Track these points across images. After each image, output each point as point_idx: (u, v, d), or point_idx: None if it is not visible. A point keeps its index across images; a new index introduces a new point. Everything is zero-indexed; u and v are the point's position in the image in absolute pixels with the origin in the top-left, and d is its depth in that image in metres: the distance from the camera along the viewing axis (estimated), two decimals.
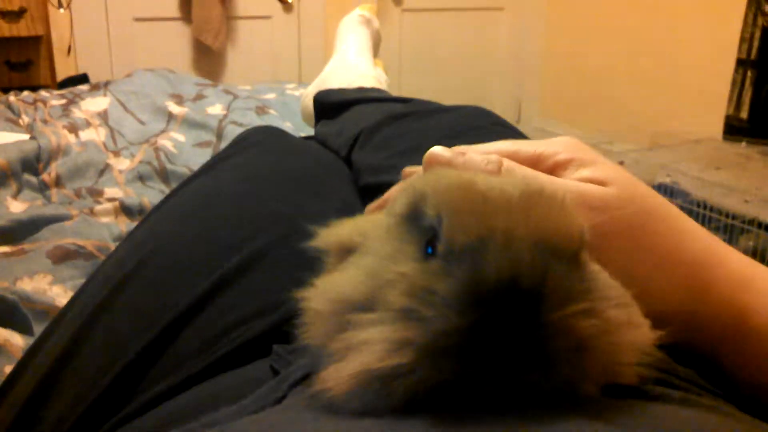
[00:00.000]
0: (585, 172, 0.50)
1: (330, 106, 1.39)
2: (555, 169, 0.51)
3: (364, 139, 1.11)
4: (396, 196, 0.46)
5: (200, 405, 0.53)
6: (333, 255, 0.47)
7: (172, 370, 0.62)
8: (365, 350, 0.35)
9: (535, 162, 0.51)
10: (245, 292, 0.68)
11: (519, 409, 0.34)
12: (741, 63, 2.88)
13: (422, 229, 0.38)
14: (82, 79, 3.20)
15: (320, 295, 0.42)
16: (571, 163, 0.51)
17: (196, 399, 0.57)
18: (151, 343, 0.63)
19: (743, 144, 2.85)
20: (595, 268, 0.40)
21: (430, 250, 0.37)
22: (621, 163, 2.85)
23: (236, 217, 0.79)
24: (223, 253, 0.72)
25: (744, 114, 2.95)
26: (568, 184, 0.49)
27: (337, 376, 0.36)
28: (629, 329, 0.38)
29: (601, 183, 0.49)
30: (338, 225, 0.48)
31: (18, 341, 1.03)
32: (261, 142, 1.05)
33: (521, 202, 0.36)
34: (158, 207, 0.92)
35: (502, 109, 4.16)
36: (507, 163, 0.49)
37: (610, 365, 0.36)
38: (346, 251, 0.45)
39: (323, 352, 0.40)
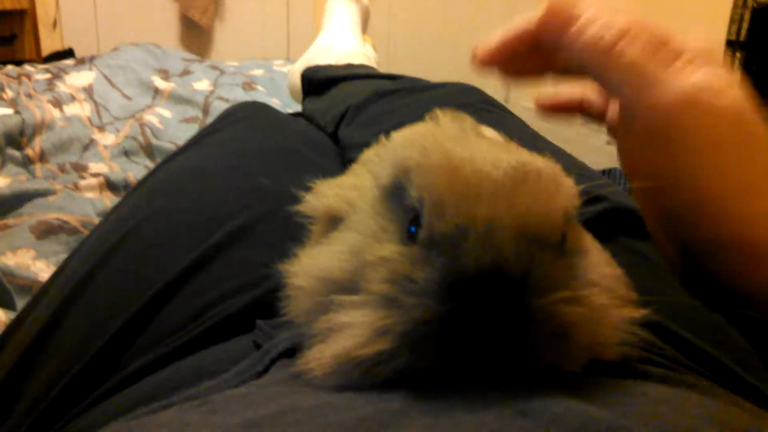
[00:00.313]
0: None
1: (317, 82, 1.38)
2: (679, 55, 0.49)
3: (351, 116, 1.11)
4: (382, 159, 0.45)
5: (182, 379, 0.53)
6: (319, 222, 0.47)
7: (154, 345, 0.62)
8: (347, 334, 0.36)
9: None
10: (228, 268, 0.67)
11: (499, 386, 0.34)
12: (730, 44, 2.88)
13: (405, 208, 0.38)
14: (68, 54, 3.15)
15: (303, 270, 0.42)
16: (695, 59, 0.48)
17: (178, 373, 0.56)
18: (133, 318, 0.63)
19: None
20: (584, 245, 0.40)
21: (413, 229, 0.37)
22: (608, 143, 2.85)
23: (221, 192, 0.79)
24: (207, 228, 0.71)
25: None
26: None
27: (319, 357, 0.37)
28: (612, 311, 0.38)
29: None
30: (324, 187, 0.48)
31: (1, 316, 1.03)
32: (247, 118, 1.04)
33: (506, 187, 0.35)
34: (143, 182, 0.91)
35: (491, 90, 4.14)
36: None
37: (592, 347, 0.36)
38: (333, 220, 0.45)
39: (306, 331, 0.40)
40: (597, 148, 2.98)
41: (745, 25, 2.87)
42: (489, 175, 0.36)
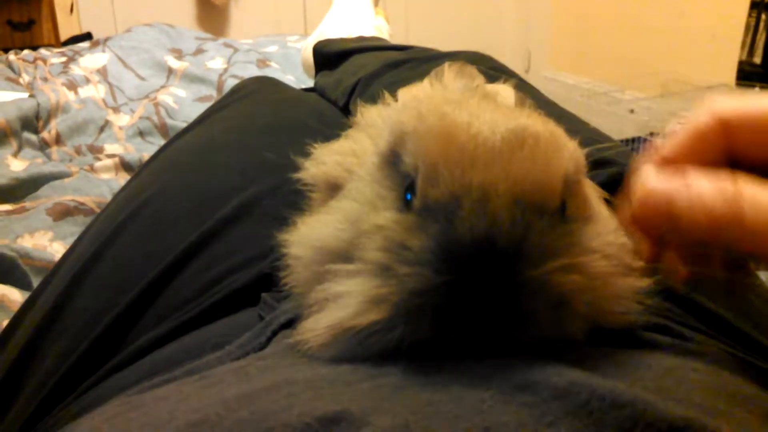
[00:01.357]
0: None
1: (329, 56, 1.37)
2: None
3: (362, 88, 1.09)
4: (383, 122, 0.43)
5: (186, 353, 0.54)
6: (319, 190, 0.46)
7: (161, 321, 0.62)
8: (341, 304, 0.35)
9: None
10: (236, 242, 0.67)
11: (499, 359, 0.33)
12: (755, 6, 2.81)
13: (401, 175, 0.38)
14: (86, 37, 3.16)
15: (301, 240, 0.42)
16: None
17: (183, 348, 0.57)
18: (141, 294, 0.63)
19: (756, 89, 2.80)
20: (589, 211, 0.39)
21: (409, 196, 0.37)
22: (632, 111, 2.81)
23: (228, 167, 0.79)
24: (214, 203, 0.71)
25: (757, 59, 2.88)
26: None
27: (314, 328, 0.36)
28: (615, 279, 0.37)
29: None
30: (323, 153, 0.47)
31: (16, 297, 1.04)
32: (255, 92, 1.04)
33: (502, 153, 0.35)
34: (151, 160, 0.92)
35: (512, 59, 4.09)
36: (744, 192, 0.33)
37: (592, 315, 0.36)
38: (332, 188, 0.45)
39: (303, 301, 0.40)
40: (620, 117, 2.94)
41: None
42: (485, 140, 0.35)
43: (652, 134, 2.49)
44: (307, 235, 0.42)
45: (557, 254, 0.34)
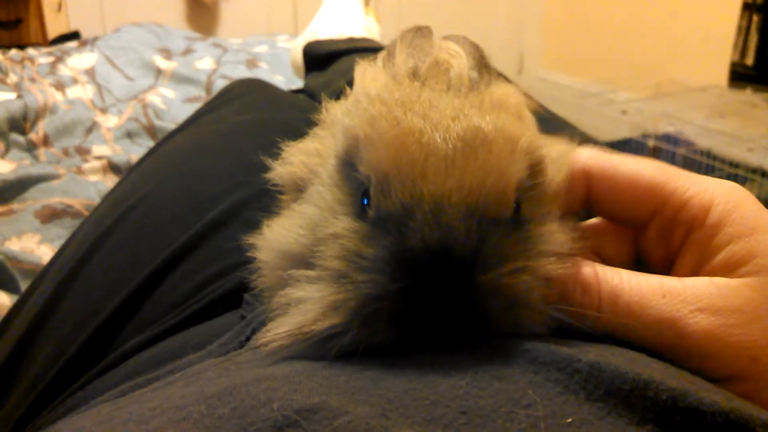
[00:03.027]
0: (735, 249, 0.37)
1: (319, 57, 1.36)
2: (696, 229, 0.39)
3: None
4: (340, 121, 0.42)
5: (169, 354, 0.55)
6: (287, 191, 0.46)
7: (147, 325, 0.62)
8: (301, 309, 0.36)
9: (678, 208, 0.39)
10: (222, 247, 0.67)
11: (475, 351, 0.34)
12: (747, 7, 2.81)
13: (357, 181, 0.38)
14: (74, 36, 3.14)
15: (267, 244, 0.43)
16: (721, 231, 0.37)
17: (166, 349, 0.57)
18: (128, 299, 0.63)
19: (748, 91, 2.80)
20: (544, 209, 0.39)
21: (366, 201, 0.37)
22: (624, 112, 2.81)
23: (215, 171, 0.78)
24: (202, 207, 0.71)
25: (749, 60, 2.89)
26: (687, 288, 0.36)
27: (276, 332, 0.37)
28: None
29: (750, 271, 0.36)
30: (291, 153, 0.46)
31: (4, 300, 1.04)
32: (244, 95, 1.03)
33: (455, 163, 0.35)
34: (139, 163, 0.91)
35: (505, 60, 4.09)
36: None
37: (549, 314, 0.36)
38: (300, 188, 0.44)
39: (269, 305, 0.41)
40: (612, 118, 2.94)
41: None
42: (436, 149, 0.35)
43: (644, 135, 2.49)
44: (272, 240, 0.42)
45: (510, 259, 0.35)
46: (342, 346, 0.35)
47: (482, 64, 0.44)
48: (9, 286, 1.10)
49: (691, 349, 0.35)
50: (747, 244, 0.37)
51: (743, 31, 2.86)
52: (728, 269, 0.37)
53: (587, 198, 0.42)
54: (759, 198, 0.40)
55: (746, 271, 0.36)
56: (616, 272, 0.38)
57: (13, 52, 2.22)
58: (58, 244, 1.22)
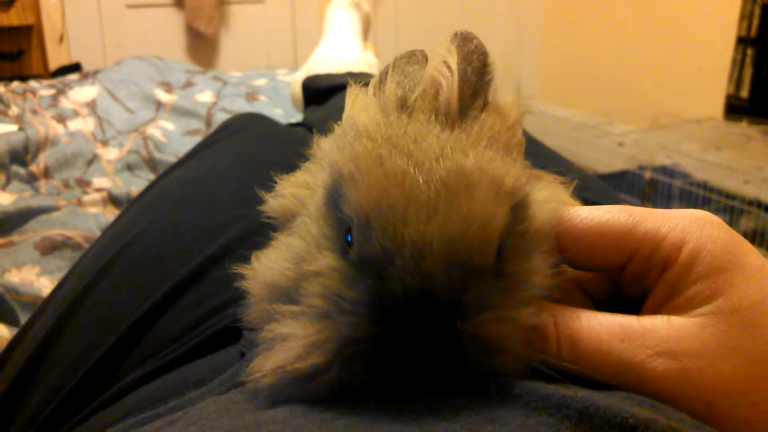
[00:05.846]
0: (699, 288, 0.37)
1: (318, 92, 1.37)
2: (669, 267, 0.39)
3: None
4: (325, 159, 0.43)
5: (170, 390, 0.54)
6: (279, 223, 0.46)
7: (148, 359, 0.62)
8: (286, 346, 0.36)
9: (651, 251, 0.39)
10: (222, 281, 0.67)
11: (466, 394, 0.35)
12: (741, 41, 2.84)
13: (341, 221, 0.38)
14: (75, 68, 3.17)
15: (255, 276, 0.43)
16: (692, 270, 0.37)
17: (167, 385, 0.57)
18: (128, 332, 0.63)
19: (744, 123, 2.82)
20: (527, 249, 0.39)
21: (349, 238, 0.37)
22: (620, 144, 2.83)
23: (216, 204, 0.79)
24: (202, 240, 0.71)
25: (744, 93, 2.91)
26: (646, 330, 0.37)
27: (261, 368, 0.37)
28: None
29: (710, 311, 0.36)
30: (283, 186, 0.47)
31: (3, 332, 1.04)
32: (243, 130, 1.04)
33: (437, 209, 0.34)
34: (140, 197, 0.92)
35: (502, 91, 4.11)
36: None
37: (529, 361, 0.36)
38: (289, 220, 0.45)
39: (256, 339, 0.41)
40: (609, 150, 2.96)
41: (756, 21, 2.83)
42: (418, 194, 0.35)
43: (640, 167, 2.50)
44: (259, 272, 0.42)
45: (490, 308, 0.35)
46: (324, 387, 0.35)
47: (477, 85, 0.43)
48: (8, 318, 1.10)
49: (652, 393, 0.35)
50: (712, 284, 0.37)
51: (738, 64, 2.89)
52: (689, 308, 0.37)
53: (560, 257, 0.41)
54: (755, 230, 0.40)
55: (705, 312, 0.36)
56: (575, 315, 0.38)
57: (15, 84, 2.24)
58: (58, 276, 1.22)
